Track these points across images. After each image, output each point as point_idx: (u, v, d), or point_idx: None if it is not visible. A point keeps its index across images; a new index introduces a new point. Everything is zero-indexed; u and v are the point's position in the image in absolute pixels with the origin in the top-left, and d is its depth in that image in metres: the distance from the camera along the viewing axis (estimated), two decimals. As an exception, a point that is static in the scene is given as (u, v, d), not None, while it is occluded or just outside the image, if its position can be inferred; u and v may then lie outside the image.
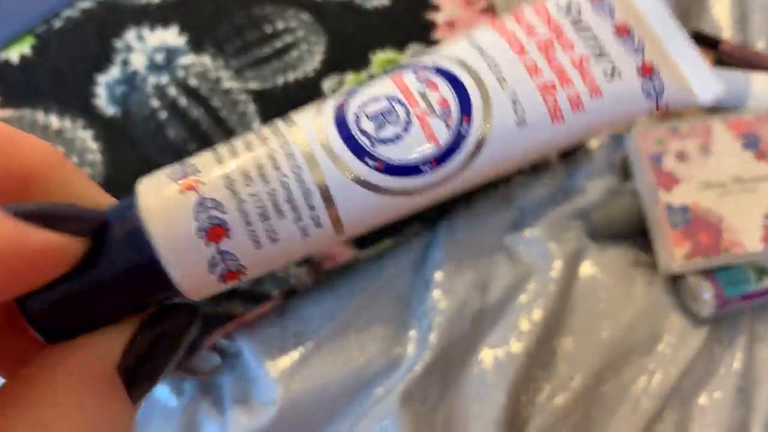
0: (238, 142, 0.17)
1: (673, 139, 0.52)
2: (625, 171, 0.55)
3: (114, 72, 0.47)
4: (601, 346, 0.51)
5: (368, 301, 0.51)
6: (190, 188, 0.16)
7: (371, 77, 0.18)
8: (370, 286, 0.52)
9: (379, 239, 0.50)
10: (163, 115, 0.46)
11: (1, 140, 0.16)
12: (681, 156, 0.52)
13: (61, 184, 0.17)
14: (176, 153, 0.45)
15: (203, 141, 0.46)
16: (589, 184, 0.55)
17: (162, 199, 0.16)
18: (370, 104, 0.17)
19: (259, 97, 0.47)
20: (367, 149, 0.16)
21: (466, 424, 0.49)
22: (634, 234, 0.54)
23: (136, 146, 0.46)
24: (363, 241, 0.50)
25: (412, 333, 0.52)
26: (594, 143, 0.56)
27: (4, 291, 0.14)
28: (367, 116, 0.16)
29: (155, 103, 0.47)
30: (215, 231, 0.15)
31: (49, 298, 0.15)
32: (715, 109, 0.55)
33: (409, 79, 0.17)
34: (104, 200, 0.19)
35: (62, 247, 0.15)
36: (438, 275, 0.52)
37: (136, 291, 0.16)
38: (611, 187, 0.55)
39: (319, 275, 0.50)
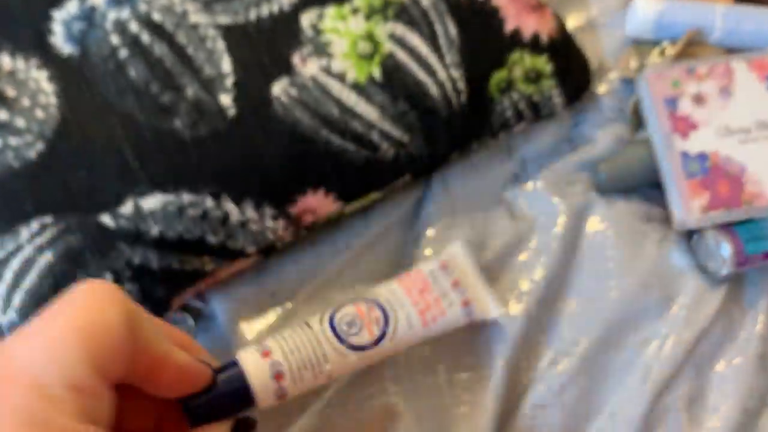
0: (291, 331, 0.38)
1: (690, 81, 0.47)
2: (636, 118, 0.50)
3: (71, 7, 0.43)
4: (609, 308, 0.46)
5: (353, 260, 0.47)
6: (266, 355, 0.35)
7: (345, 302, 0.40)
8: (355, 243, 0.48)
9: (365, 192, 0.46)
10: (124, 53, 0.42)
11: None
12: (698, 99, 0.47)
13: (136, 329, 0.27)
14: (138, 95, 0.41)
15: (167, 81, 0.42)
16: (597, 133, 0.51)
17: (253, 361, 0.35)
18: (345, 318, 0.39)
19: (228, 32, 0.43)
20: (345, 338, 0.38)
21: (460, 389, 0.45)
22: (646, 187, 0.50)
23: (94, 88, 0.42)
24: (348, 193, 0.45)
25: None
26: (602, 88, 0.51)
27: (177, 391, 0.31)
28: (344, 323, 0.38)
29: (115, 40, 0.42)
30: (277, 376, 0.35)
31: (199, 402, 0.32)
32: (735, 51, 0.50)
33: (362, 307, 0.40)
34: (169, 329, 0.33)
35: (207, 375, 0.32)
36: (430, 232, 0.48)
37: (237, 404, 0.34)
38: (621, 136, 0.51)
39: (299, 230, 0.46)
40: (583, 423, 0.46)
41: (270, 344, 0.36)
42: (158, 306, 0.43)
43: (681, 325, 0.46)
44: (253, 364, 0.34)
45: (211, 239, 0.42)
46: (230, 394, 0.33)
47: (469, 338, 0.46)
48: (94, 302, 0.26)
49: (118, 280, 0.41)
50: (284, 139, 0.42)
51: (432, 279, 0.42)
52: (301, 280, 0.47)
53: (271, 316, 0.46)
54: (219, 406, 0.32)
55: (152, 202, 0.41)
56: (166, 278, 0.42)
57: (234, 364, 0.34)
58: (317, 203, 0.45)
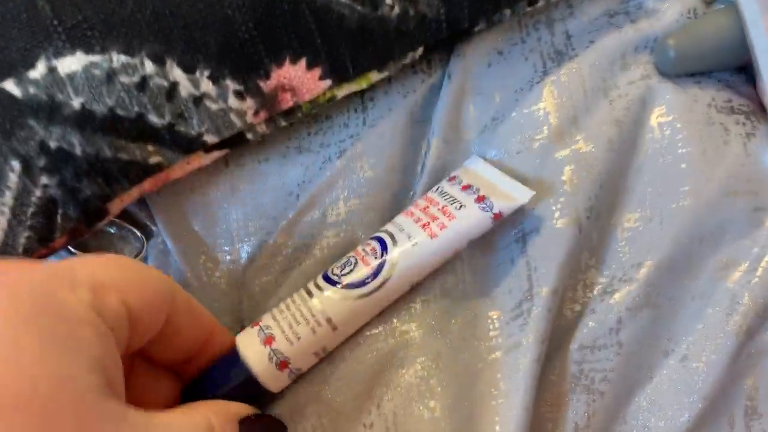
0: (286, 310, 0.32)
1: (792, -77, 0.35)
2: (715, -19, 0.39)
3: None
4: (681, 221, 0.35)
5: (349, 168, 0.36)
6: (269, 343, 0.31)
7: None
8: (349, 146, 0.37)
9: (362, 68, 0.35)
10: None
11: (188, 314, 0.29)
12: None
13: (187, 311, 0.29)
14: None
15: None
16: (662, 2, 0.39)
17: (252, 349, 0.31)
18: (338, 264, 0.33)
19: None
20: (338, 280, 0.32)
21: (495, 330, 0.35)
22: (728, 68, 0.38)
23: None
24: (338, 68, 0.34)
25: (410, 204, 0.37)
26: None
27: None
28: (337, 269, 0.33)
29: None
30: (281, 365, 0.31)
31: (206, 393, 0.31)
32: None
33: (358, 248, 0.34)
34: (207, 315, 0.31)
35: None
36: (446, 128, 0.37)
37: (249, 396, 0.31)
38: (694, 6, 0.39)
39: (276, 118, 0.35)
40: (645, 370, 0.35)
41: (271, 328, 0.32)
42: (88, 210, 0.33)
43: (778, 242, 0.35)
44: (255, 359, 0.31)
45: (154, 119, 0.32)
46: (239, 388, 0.31)
47: (501, 266, 0.35)
48: (146, 266, 0.28)
49: (28, 169, 0.31)
50: (250, -20, 0.31)
51: (438, 194, 0.34)
52: (284, 198, 0.36)
53: (243, 239, 0.35)
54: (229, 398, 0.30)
55: (71, 63, 0.30)
56: (96, 170, 0.32)
57: (235, 353, 0.31)
58: (298, 79, 0.34)
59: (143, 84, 0.31)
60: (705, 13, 0.39)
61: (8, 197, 0.31)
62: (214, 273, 0.36)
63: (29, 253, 0.32)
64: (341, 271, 0.32)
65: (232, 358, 0.31)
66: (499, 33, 0.39)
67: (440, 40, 0.36)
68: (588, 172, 0.35)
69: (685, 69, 0.38)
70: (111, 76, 0.31)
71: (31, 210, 0.32)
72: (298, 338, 0.30)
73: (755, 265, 0.34)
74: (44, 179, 0.31)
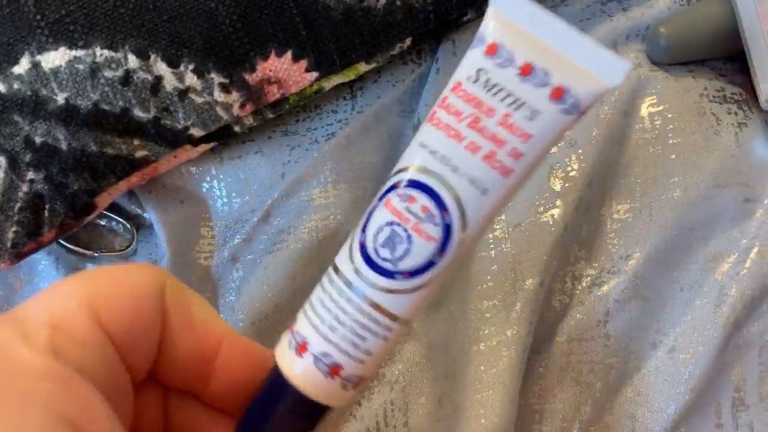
0: (321, 306, 0.23)
1: None
2: (708, -32, 0.38)
3: None
4: (671, 212, 0.35)
5: (336, 153, 0.36)
6: (303, 350, 0.23)
7: (368, 209, 0.23)
8: (338, 131, 0.37)
9: (349, 59, 0.35)
10: None
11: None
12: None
13: (180, 307, 0.22)
14: None
15: None
16: (655, -10, 0.39)
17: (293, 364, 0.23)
18: (379, 236, 0.22)
19: None
20: (393, 270, 0.22)
21: (479, 321, 0.35)
22: (721, 56, 0.38)
23: None
24: (325, 60, 0.34)
25: (398, 195, 0.36)
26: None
27: (238, 384, 0.23)
28: (382, 246, 0.22)
29: None
30: (332, 371, 0.23)
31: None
32: None
33: (395, 202, 0.22)
34: (215, 318, 0.23)
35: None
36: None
37: (308, 420, 0.24)
38: (687, -6, 0.39)
39: (263, 110, 0.35)
40: (633, 361, 0.35)
41: (304, 331, 0.23)
42: (75, 205, 0.33)
43: (766, 233, 0.35)
44: (293, 370, 0.23)
45: (139, 113, 0.32)
46: (292, 410, 0.23)
47: (487, 257, 0.35)
48: (117, 265, 0.24)
49: (14, 164, 0.31)
50: (233, -27, 0.31)
51: (483, 89, 0.22)
52: (270, 179, 0.36)
53: (227, 227, 0.35)
54: (285, 424, 0.24)
55: (55, 58, 0.30)
56: (82, 165, 0.32)
57: (276, 371, 0.24)
58: (284, 71, 0.34)
59: (127, 78, 0.31)
60: (697, 0, 0.38)
61: (-5, 192, 0.31)
62: (203, 258, 0.37)
63: (18, 247, 0.33)
64: (392, 253, 0.22)
65: (278, 384, 0.23)
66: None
67: (429, 30, 0.36)
68: (576, 164, 0.35)
69: (677, 58, 0.37)
70: (95, 70, 0.31)
71: (18, 205, 0.32)
72: (370, 354, 0.23)
73: (744, 257, 0.34)
74: (30, 174, 0.31)
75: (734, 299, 0.34)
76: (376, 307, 0.22)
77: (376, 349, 0.23)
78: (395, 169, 0.23)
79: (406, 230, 0.22)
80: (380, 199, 0.23)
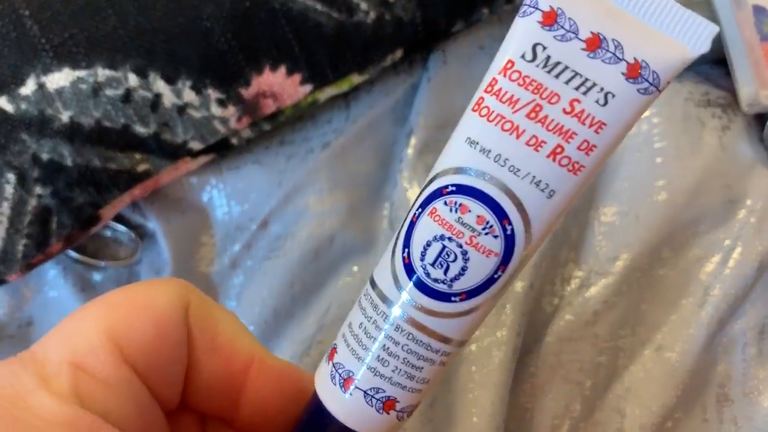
0: (362, 333, 0.20)
1: None
2: (692, -26, 0.39)
3: None
4: (656, 214, 0.36)
5: (331, 162, 0.38)
6: (349, 384, 0.20)
7: (408, 218, 0.19)
8: (333, 140, 0.38)
9: (341, 72, 0.36)
10: None
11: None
12: (777, -61, 0.35)
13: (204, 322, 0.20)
14: None
15: None
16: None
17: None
18: (428, 253, 0.19)
19: None
20: (448, 292, 0.19)
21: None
22: (704, 62, 0.39)
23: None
24: (318, 74, 0.35)
25: (389, 206, 0.38)
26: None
27: (273, 410, 0.21)
28: (432, 265, 0.18)
29: None
30: (387, 405, 0.20)
31: None
32: None
33: (444, 211, 0.18)
34: (243, 336, 0.21)
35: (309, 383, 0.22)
36: (422, 124, 0.38)
37: None
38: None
39: (259, 123, 0.36)
40: (621, 360, 0.36)
41: (348, 363, 0.20)
42: (81, 217, 0.34)
43: (750, 234, 0.36)
44: (341, 408, 0.20)
45: (140, 129, 0.33)
46: None
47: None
48: (138, 285, 0.20)
49: (23, 180, 0.32)
50: (226, -7, 0.32)
51: (536, 66, 0.18)
52: (268, 188, 0.37)
53: (227, 235, 0.37)
54: None
55: (59, 79, 0.32)
56: (87, 180, 0.33)
57: (320, 407, 0.21)
58: (279, 86, 0.35)
59: (128, 96, 0.33)
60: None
61: (5, 207, 0.33)
62: (204, 265, 0.38)
63: (28, 258, 0.34)
64: (445, 273, 0.19)
65: (324, 422, 0.21)
66: (479, 29, 0.40)
67: (419, 42, 0.37)
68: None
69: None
70: (97, 90, 0.32)
71: (27, 219, 0.33)
72: (426, 383, 0.20)
73: (727, 257, 0.35)
74: (38, 189, 0.33)
75: (718, 298, 0.35)
76: (431, 334, 0.19)
77: (432, 376, 0.20)
78: (436, 170, 0.19)
79: (460, 246, 0.18)
80: (422, 207, 0.19)
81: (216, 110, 0.34)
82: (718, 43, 0.37)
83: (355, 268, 0.37)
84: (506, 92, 0.18)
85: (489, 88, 0.18)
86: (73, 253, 0.38)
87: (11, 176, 0.32)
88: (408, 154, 0.38)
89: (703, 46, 0.17)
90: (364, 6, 0.34)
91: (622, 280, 0.36)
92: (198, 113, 0.34)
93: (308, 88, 0.36)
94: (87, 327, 0.18)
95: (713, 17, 0.37)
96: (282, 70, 0.34)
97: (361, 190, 0.38)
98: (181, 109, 0.33)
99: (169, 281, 0.20)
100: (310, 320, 0.36)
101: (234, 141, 0.36)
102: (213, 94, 0.34)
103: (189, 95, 0.33)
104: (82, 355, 0.18)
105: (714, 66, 0.39)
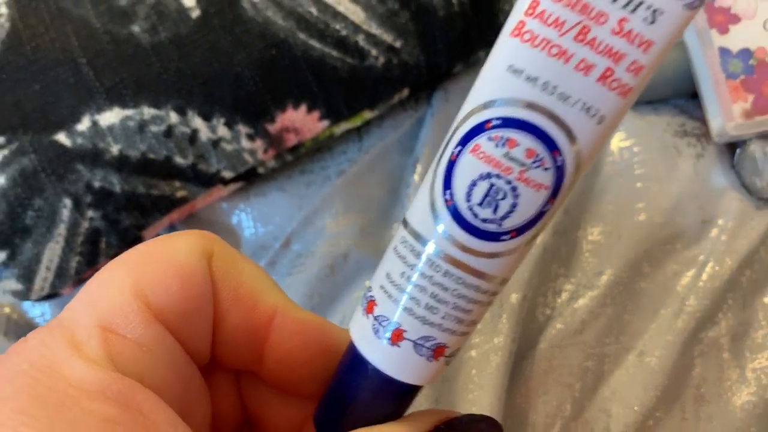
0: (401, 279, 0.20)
1: (730, -32, 0.40)
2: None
3: None
4: (637, 233, 0.40)
5: (346, 188, 0.42)
6: (399, 338, 0.19)
7: (444, 157, 0.19)
8: (347, 169, 0.43)
9: (355, 109, 0.41)
10: (78, -46, 0.38)
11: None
12: (740, -11, 0.40)
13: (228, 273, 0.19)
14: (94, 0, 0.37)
15: (124, -19, 0.37)
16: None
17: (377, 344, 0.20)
18: (474, 193, 0.18)
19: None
20: (498, 232, 0.18)
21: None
22: (680, 96, 0.43)
23: (47, -6, 0.37)
24: (335, 110, 0.40)
25: (398, 227, 0.42)
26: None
27: (301, 364, 0.21)
28: (479, 206, 0.18)
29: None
30: (437, 351, 0.20)
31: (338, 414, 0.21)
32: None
33: (489, 147, 0.17)
34: (268, 287, 0.20)
35: (342, 337, 0.21)
36: (427, 153, 0.42)
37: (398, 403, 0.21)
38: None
39: (283, 154, 0.41)
40: (607, 364, 0.40)
41: (395, 316, 0.20)
42: (126, 238, 0.39)
43: (721, 251, 0.40)
44: (389, 362, 0.20)
45: (180, 160, 0.38)
46: (388, 397, 0.21)
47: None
48: (159, 239, 0.19)
49: (78, 205, 0.37)
50: (255, 43, 0.37)
51: None
52: (290, 211, 0.42)
53: (254, 253, 0.41)
54: (378, 410, 0.21)
55: (110, 117, 0.37)
56: (132, 205, 0.38)
57: (362, 362, 0.20)
58: (300, 121, 0.40)
59: (169, 132, 0.37)
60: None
61: (62, 228, 0.38)
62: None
63: (80, 274, 0.39)
64: (494, 212, 0.18)
65: (369, 376, 0.20)
66: (478, 69, 0.44)
67: (424, 82, 0.42)
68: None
69: (642, 97, 0.43)
70: (142, 126, 0.37)
71: (80, 239, 0.38)
72: (474, 324, 0.20)
73: (700, 272, 0.39)
74: (90, 213, 0.38)
75: (693, 308, 0.39)
76: (481, 275, 0.19)
77: (479, 317, 0.20)
78: (472, 103, 0.18)
79: (509, 182, 0.17)
80: (462, 144, 0.18)
81: (245, 143, 0.39)
82: (689, 79, 0.41)
83: (367, 283, 0.41)
84: (551, 14, 0.17)
85: (530, 11, 0.17)
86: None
87: (68, 201, 0.37)
88: (414, 180, 0.42)
89: None
90: (374, 52, 0.39)
91: (607, 292, 0.40)
92: (230, 146, 0.39)
93: (326, 123, 0.40)
94: (113, 287, 0.18)
95: (687, 57, 0.41)
96: (303, 108, 0.39)
97: (372, 213, 0.42)
98: (216, 143, 0.38)
99: (191, 233, 0.20)
100: (328, 329, 0.40)
101: (261, 170, 0.41)
102: (243, 129, 0.38)
103: (222, 130, 0.38)
104: (111, 317, 0.17)
105: (690, 99, 0.44)
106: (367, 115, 0.42)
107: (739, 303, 0.40)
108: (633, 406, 0.39)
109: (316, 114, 0.40)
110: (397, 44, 0.39)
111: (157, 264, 0.18)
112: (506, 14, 0.40)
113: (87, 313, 0.17)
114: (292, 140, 0.40)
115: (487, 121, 0.18)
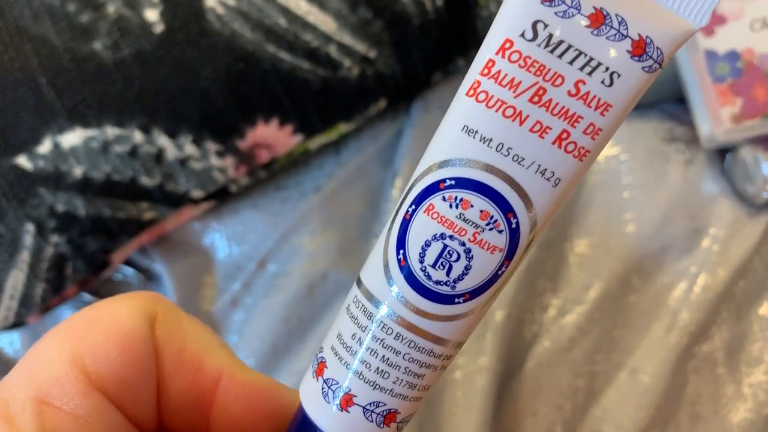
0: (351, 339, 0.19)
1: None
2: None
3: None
4: (626, 245, 0.39)
5: (324, 203, 0.41)
6: (348, 403, 0.19)
7: (399, 216, 0.18)
8: (324, 184, 0.41)
9: (329, 122, 0.39)
10: (36, -31, 0.36)
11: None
12: (726, -11, 0.38)
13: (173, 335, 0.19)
14: (53, 16, 0.35)
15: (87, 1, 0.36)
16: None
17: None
18: (427, 254, 0.17)
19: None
20: (451, 294, 0.17)
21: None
22: (667, 101, 0.42)
23: (6, 11, 0.36)
24: (308, 124, 0.39)
25: (380, 240, 0.41)
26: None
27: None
28: (433, 267, 0.17)
29: (27, -44, 0.36)
30: (388, 418, 0.19)
31: None
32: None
33: (443, 207, 0.17)
34: (213, 347, 0.19)
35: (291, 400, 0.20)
36: (406, 166, 0.41)
37: None
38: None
39: (256, 171, 0.39)
40: (598, 383, 0.38)
41: (344, 381, 0.19)
42: (94, 262, 0.37)
43: (713, 261, 0.38)
44: (338, 427, 0.19)
45: (146, 181, 0.37)
46: None
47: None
48: (101, 303, 0.19)
49: (41, 230, 0.36)
50: (222, 57, 0.36)
51: (537, 46, 0.16)
52: (265, 230, 0.41)
53: (228, 275, 0.40)
54: None
55: (72, 138, 0.35)
56: (98, 228, 0.37)
57: (309, 425, 0.20)
58: (272, 137, 0.38)
59: (134, 151, 0.36)
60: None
61: (26, 255, 0.36)
62: (207, 303, 0.41)
63: (46, 302, 0.37)
64: (447, 274, 0.18)
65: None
66: (457, 78, 0.43)
67: (402, 92, 0.40)
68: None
69: (627, 104, 0.41)
70: (106, 146, 0.36)
71: (45, 265, 0.36)
72: (427, 389, 0.19)
73: (692, 284, 0.38)
74: (55, 238, 0.36)
75: (685, 322, 0.37)
76: (434, 339, 0.18)
77: (432, 381, 0.19)
78: (428, 161, 0.18)
79: (463, 244, 0.17)
80: (416, 203, 0.18)
81: (215, 161, 0.37)
82: (674, 84, 0.40)
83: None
84: (506, 74, 0.16)
85: (485, 71, 0.17)
86: (87, 296, 0.41)
87: (30, 227, 0.36)
88: (393, 195, 0.41)
89: (704, 19, 0.16)
90: (347, 63, 0.38)
91: (596, 307, 0.38)
92: (198, 164, 0.37)
93: (299, 137, 0.39)
94: (50, 356, 0.17)
95: (673, 61, 0.40)
96: (274, 122, 0.38)
97: (351, 230, 0.41)
98: (183, 162, 0.37)
99: (134, 295, 0.19)
100: (306, 353, 0.39)
101: (233, 188, 0.39)
102: (212, 146, 0.37)
103: (190, 148, 0.37)
104: (47, 388, 0.16)
105: (677, 103, 0.42)
106: (344, 128, 0.40)
107: (734, 315, 0.38)
108: (626, 427, 0.37)
109: (288, 128, 0.38)
110: (372, 54, 0.38)
111: (97, 330, 0.17)
112: (484, 20, 0.39)
113: (23, 384, 0.17)
114: (264, 156, 0.39)
115: (441, 181, 0.17)
